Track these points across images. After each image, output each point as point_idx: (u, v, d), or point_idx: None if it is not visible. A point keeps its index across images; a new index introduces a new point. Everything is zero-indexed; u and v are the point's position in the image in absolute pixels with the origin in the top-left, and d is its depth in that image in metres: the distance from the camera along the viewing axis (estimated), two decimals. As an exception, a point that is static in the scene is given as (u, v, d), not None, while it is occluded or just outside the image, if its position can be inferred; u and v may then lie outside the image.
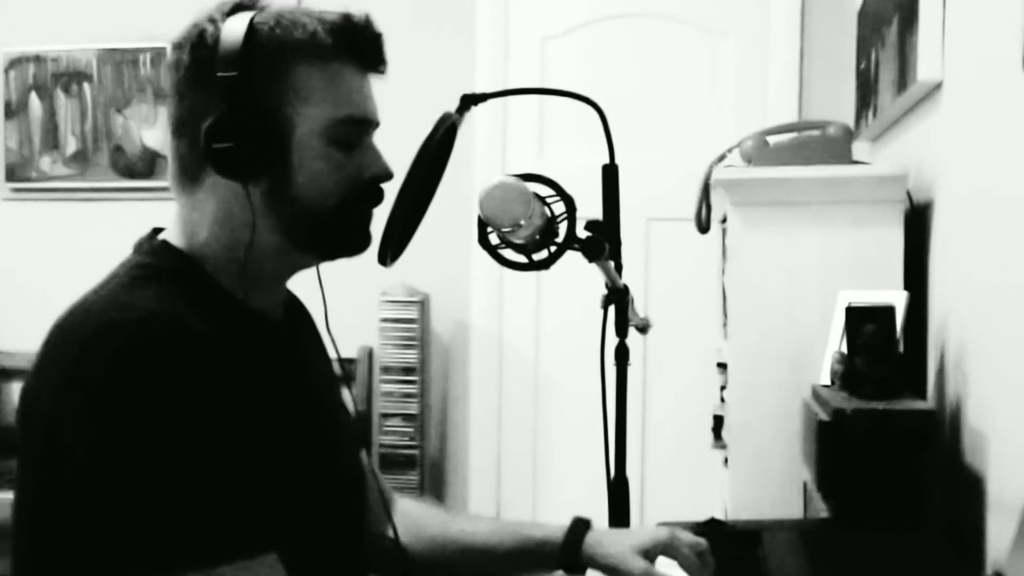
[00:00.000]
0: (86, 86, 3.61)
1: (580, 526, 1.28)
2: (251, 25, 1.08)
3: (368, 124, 1.16)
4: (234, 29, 1.08)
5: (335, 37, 1.11)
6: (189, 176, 1.13)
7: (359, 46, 1.13)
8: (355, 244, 1.17)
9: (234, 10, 1.10)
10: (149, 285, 1.07)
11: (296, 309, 1.29)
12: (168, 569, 0.94)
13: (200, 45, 1.09)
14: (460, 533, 1.35)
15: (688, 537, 1.25)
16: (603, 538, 1.26)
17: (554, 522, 1.31)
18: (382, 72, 1.17)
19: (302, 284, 1.26)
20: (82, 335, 1.00)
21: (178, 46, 1.11)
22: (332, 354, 1.30)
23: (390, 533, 1.30)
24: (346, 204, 1.13)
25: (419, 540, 1.33)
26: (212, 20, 1.10)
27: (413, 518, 1.35)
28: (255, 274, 1.13)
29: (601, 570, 1.25)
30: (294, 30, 1.10)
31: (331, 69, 1.11)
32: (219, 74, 1.06)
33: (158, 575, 0.94)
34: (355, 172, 1.14)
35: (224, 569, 0.96)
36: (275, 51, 1.09)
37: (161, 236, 1.16)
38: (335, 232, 1.14)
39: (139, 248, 1.15)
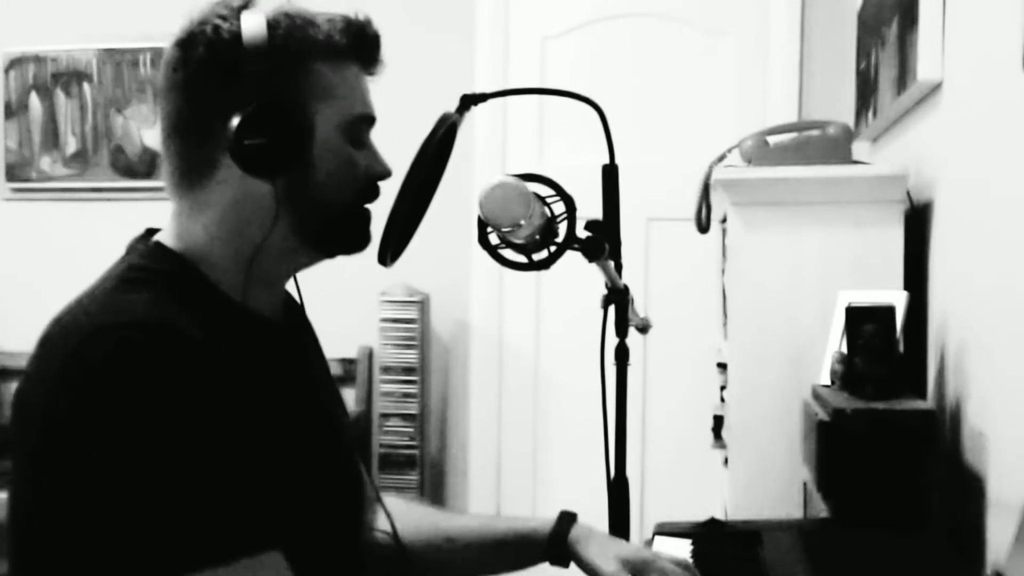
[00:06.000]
0: (86, 86, 3.61)
1: (566, 519, 1.30)
2: (270, 22, 1.08)
3: (374, 123, 1.19)
4: (255, 25, 1.07)
5: (347, 38, 1.13)
6: (194, 175, 1.12)
7: (366, 47, 1.16)
8: (359, 242, 1.19)
9: (241, 9, 1.10)
10: (141, 289, 1.06)
11: (293, 310, 1.29)
12: (165, 572, 0.94)
13: (217, 42, 1.08)
14: (448, 528, 1.36)
15: (671, 566, 1.23)
16: (591, 537, 1.27)
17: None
18: (378, 73, 1.20)
19: (302, 284, 1.26)
20: (73, 339, 1.00)
21: (184, 44, 1.10)
22: (328, 353, 1.31)
23: (384, 531, 1.30)
24: (357, 202, 1.16)
25: (409, 537, 1.33)
26: (224, 17, 1.09)
27: (400, 515, 1.35)
28: (257, 275, 1.13)
29: (582, 568, 1.27)
30: (309, 29, 1.11)
31: (344, 68, 1.14)
32: (250, 69, 1.06)
33: None
34: (364, 170, 1.16)
35: (225, 570, 0.96)
36: (296, 48, 1.10)
37: (156, 237, 1.15)
38: (343, 229, 1.17)
39: (132, 250, 1.14)
